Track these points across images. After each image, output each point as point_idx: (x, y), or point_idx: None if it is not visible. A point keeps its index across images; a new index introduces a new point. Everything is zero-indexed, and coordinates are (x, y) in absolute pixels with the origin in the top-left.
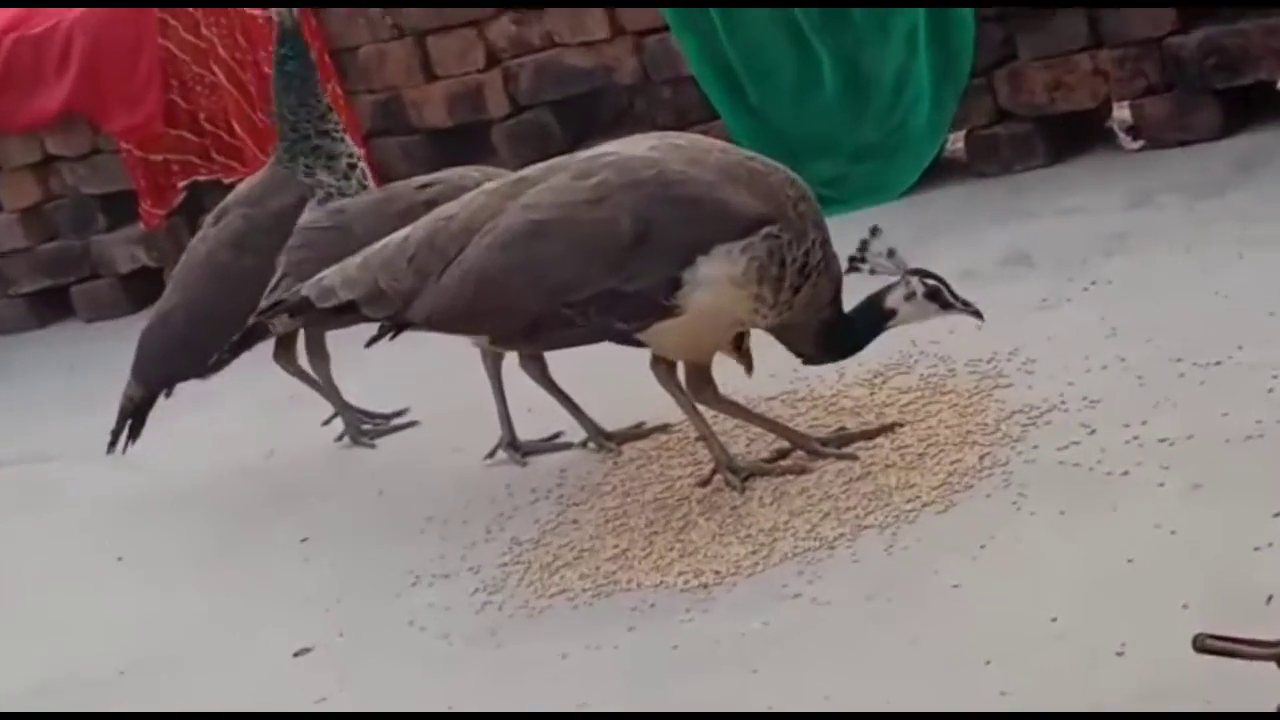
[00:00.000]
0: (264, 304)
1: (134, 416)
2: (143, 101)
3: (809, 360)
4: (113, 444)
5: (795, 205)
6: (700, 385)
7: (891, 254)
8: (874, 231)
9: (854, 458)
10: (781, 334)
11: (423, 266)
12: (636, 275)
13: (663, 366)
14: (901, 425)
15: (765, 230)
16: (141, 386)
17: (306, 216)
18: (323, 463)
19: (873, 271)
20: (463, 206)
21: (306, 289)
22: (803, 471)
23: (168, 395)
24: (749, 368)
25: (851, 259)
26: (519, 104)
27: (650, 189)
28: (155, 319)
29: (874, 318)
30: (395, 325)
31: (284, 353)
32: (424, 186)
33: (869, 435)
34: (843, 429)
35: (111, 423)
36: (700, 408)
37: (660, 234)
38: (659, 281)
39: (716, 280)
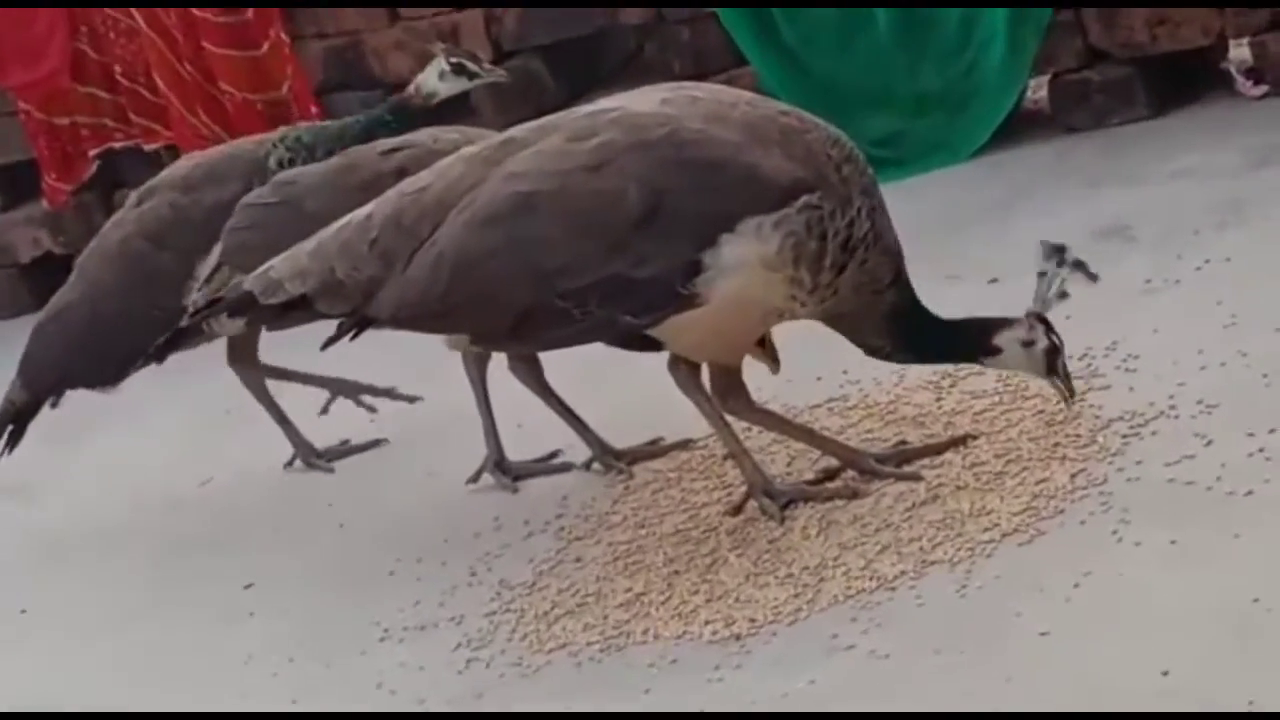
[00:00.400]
0: (198, 300)
1: (15, 424)
2: (44, 53)
3: (881, 355)
4: None
5: (838, 168)
6: (728, 391)
7: (1063, 296)
8: (1096, 277)
9: (917, 478)
10: (840, 325)
11: (387, 251)
12: (647, 258)
13: (683, 368)
14: (975, 438)
15: (802, 200)
16: (26, 390)
17: (252, 193)
18: (269, 492)
19: (1041, 275)
20: (437, 176)
21: (249, 282)
22: (855, 496)
23: (54, 405)
24: (774, 364)
25: (1052, 250)
26: (503, 50)
27: (662, 152)
28: (51, 312)
29: (971, 342)
30: (356, 323)
31: (241, 357)
32: (390, 152)
33: (935, 451)
34: (903, 443)
35: None
36: (730, 419)
37: (675, 207)
38: (674, 265)
39: (745, 262)
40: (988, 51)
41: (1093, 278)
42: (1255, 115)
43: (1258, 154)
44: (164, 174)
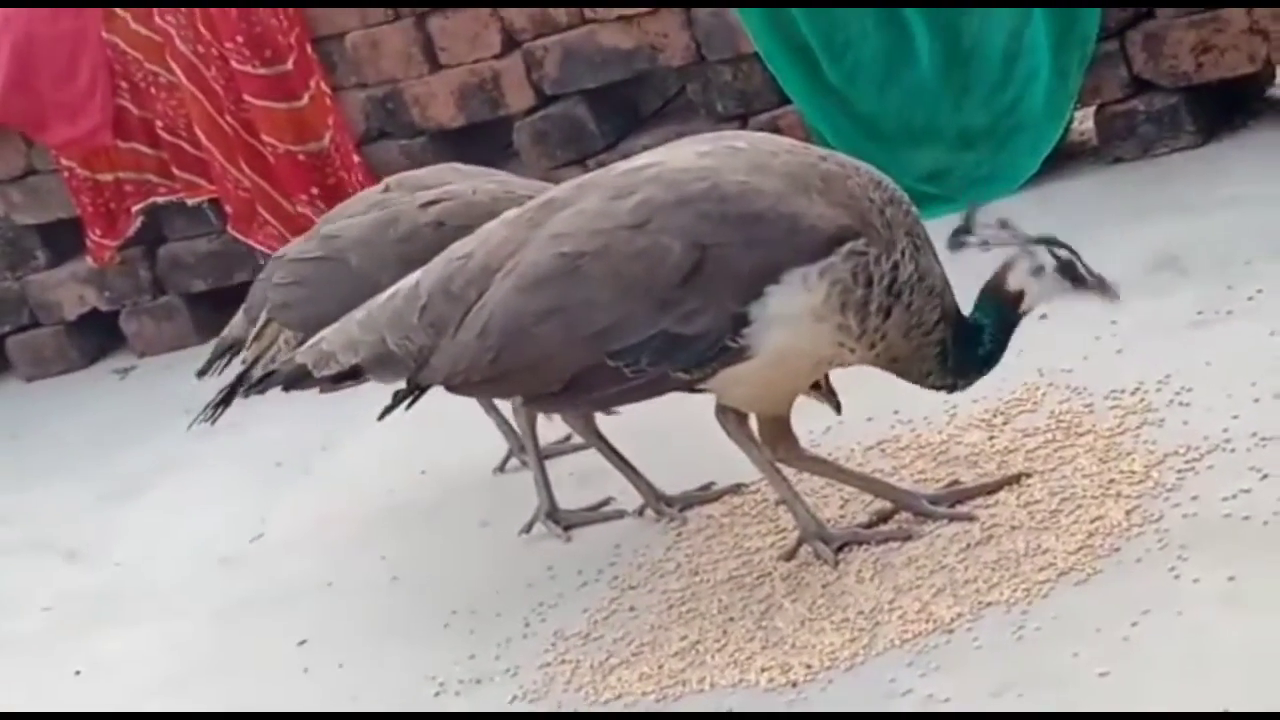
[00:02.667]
0: (255, 372)
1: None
2: (86, 109)
3: (951, 390)
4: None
5: (881, 211)
6: (778, 439)
7: (1004, 224)
8: (974, 205)
9: (971, 518)
10: (898, 370)
11: (437, 319)
12: (694, 313)
13: (731, 416)
14: (1029, 476)
15: (847, 246)
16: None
17: (294, 246)
18: (321, 546)
19: (985, 245)
20: (481, 241)
21: (302, 355)
22: (909, 538)
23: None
24: (836, 406)
25: (956, 233)
26: (545, 95)
27: (703, 206)
28: None
29: (1001, 310)
30: (410, 391)
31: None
32: (430, 204)
33: (988, 490)
34: (956, 483)
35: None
36: (780, 466)
37: (719, 261)
38: (722, 319)
39: (792, 313)
40: (1032, 85)
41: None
42: None
43: None
44: None
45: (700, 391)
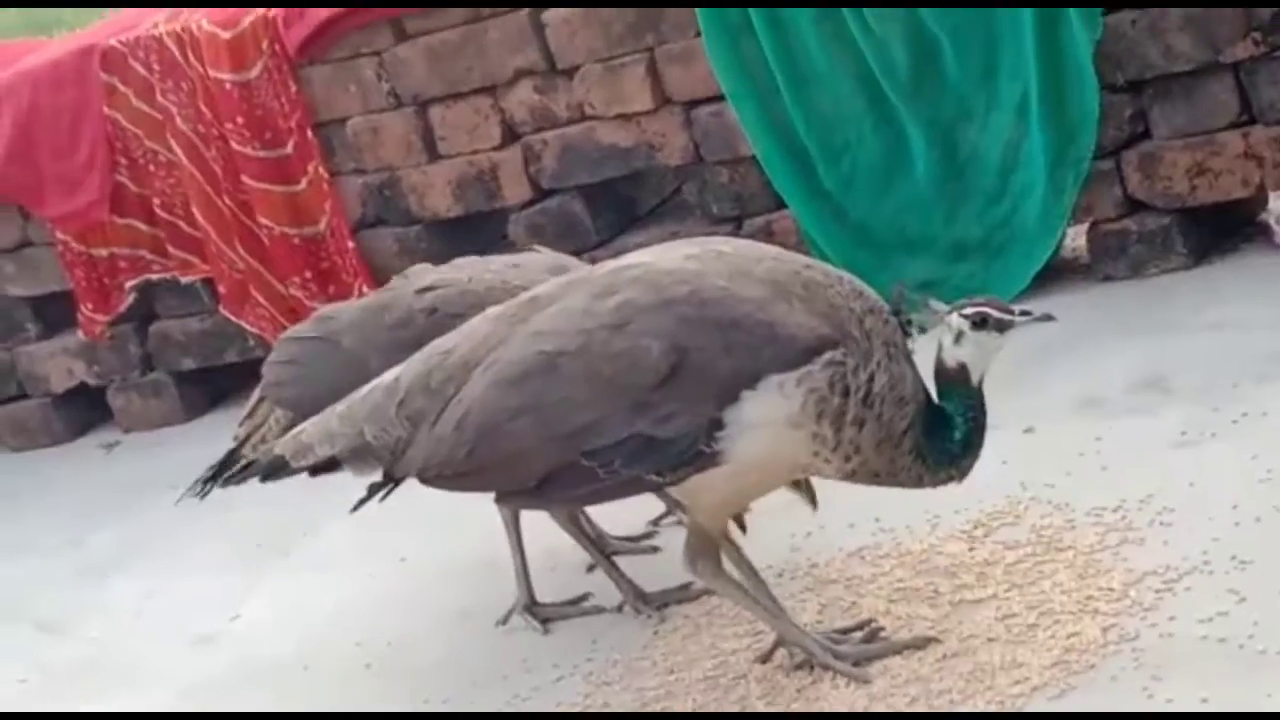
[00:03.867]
0: (244, 450)
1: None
2: (84, 184)
3: (948, 482)
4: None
5: (860, 321)
6: (700, 554)
7: (927, 304)
8: (898, 289)
9: (866, 680)
10: (883, 482)
11: (415, 413)
12: (670, 417)
13: (703, 565)
14: (939, 641)
15: (826, 356)
16: None
17: (294, 327)
18: (298, 629)
19: (922, 330)
20: (464, 337)
21: (281, 446)
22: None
23: None
24: (813, 502)
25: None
26: (542, 188)
27: (683, 310)
28: None
29: (957, 391)
30: (385, 482)
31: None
32: (424, 291)
33: (895, 651)
34: (876, 629)
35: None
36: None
37: (697, 365)
38: (698, 424)
39: (768, 420)
40: (1027, 199)
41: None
42: None
43: None
44: None
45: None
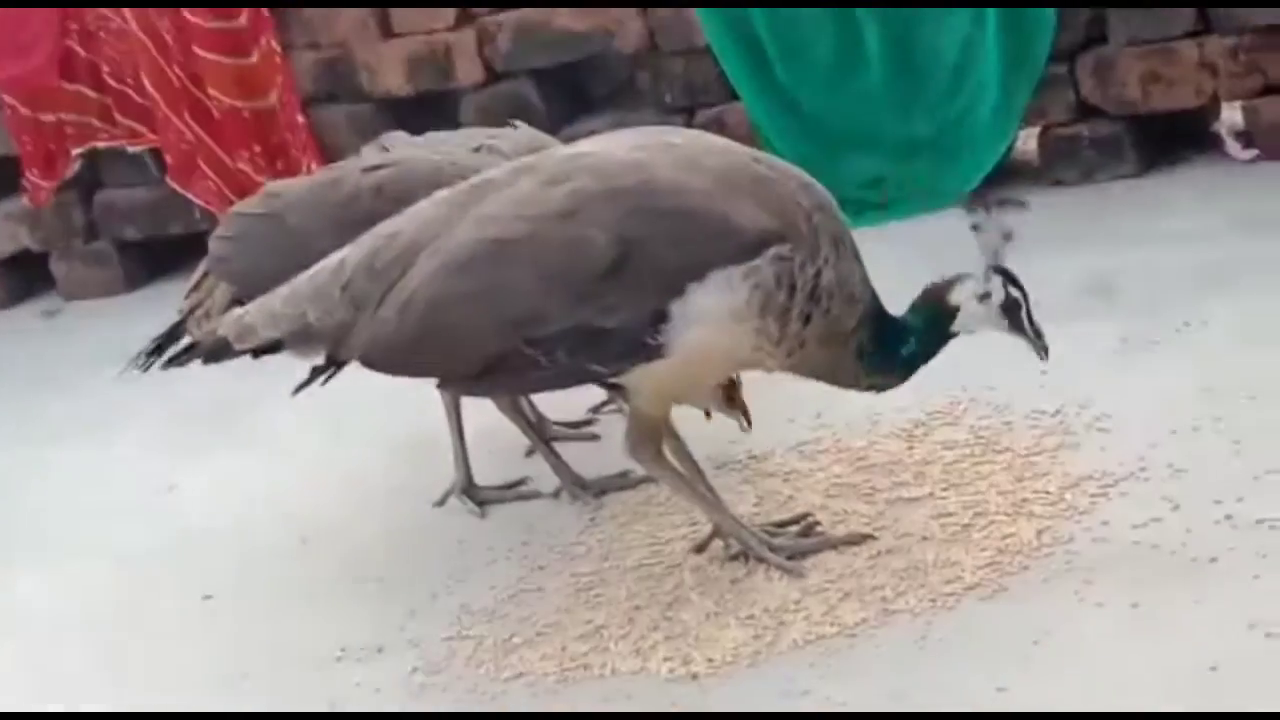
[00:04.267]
0: (189, 324)
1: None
2: (34, 48)
3: (880, 389)
4: None
5: (809, 217)
6: (643, 440)
7: (1008, 237)
8: (1024, 205)
9: (801, 574)
10: (823, 378)
11: (359, 295)
12: (615, 308)
13: (644, 451)
14: (874, 538)
15: (772, 251)
16: None
17: (242, 201)
18: (234, 504)
19: (976, 227)
20: (410, 220)
21: (224, 328)
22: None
23: None
24: (747, 422)
25: (976, 202)
26: (494, 71)
27: (633, 201)
28: None
29: (937, 319)
30: (328, 365)
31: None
32: (371, 169)
33: (832, 545)
34: (813, 523)
35: None
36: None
37: (644, 257)
38: (642, 315)
39: (712, 313)
40: (980, 100)
41: (1022, 205)
42: (1244, 180)
43: (1244, 219)
44: None
45: (613, 386)
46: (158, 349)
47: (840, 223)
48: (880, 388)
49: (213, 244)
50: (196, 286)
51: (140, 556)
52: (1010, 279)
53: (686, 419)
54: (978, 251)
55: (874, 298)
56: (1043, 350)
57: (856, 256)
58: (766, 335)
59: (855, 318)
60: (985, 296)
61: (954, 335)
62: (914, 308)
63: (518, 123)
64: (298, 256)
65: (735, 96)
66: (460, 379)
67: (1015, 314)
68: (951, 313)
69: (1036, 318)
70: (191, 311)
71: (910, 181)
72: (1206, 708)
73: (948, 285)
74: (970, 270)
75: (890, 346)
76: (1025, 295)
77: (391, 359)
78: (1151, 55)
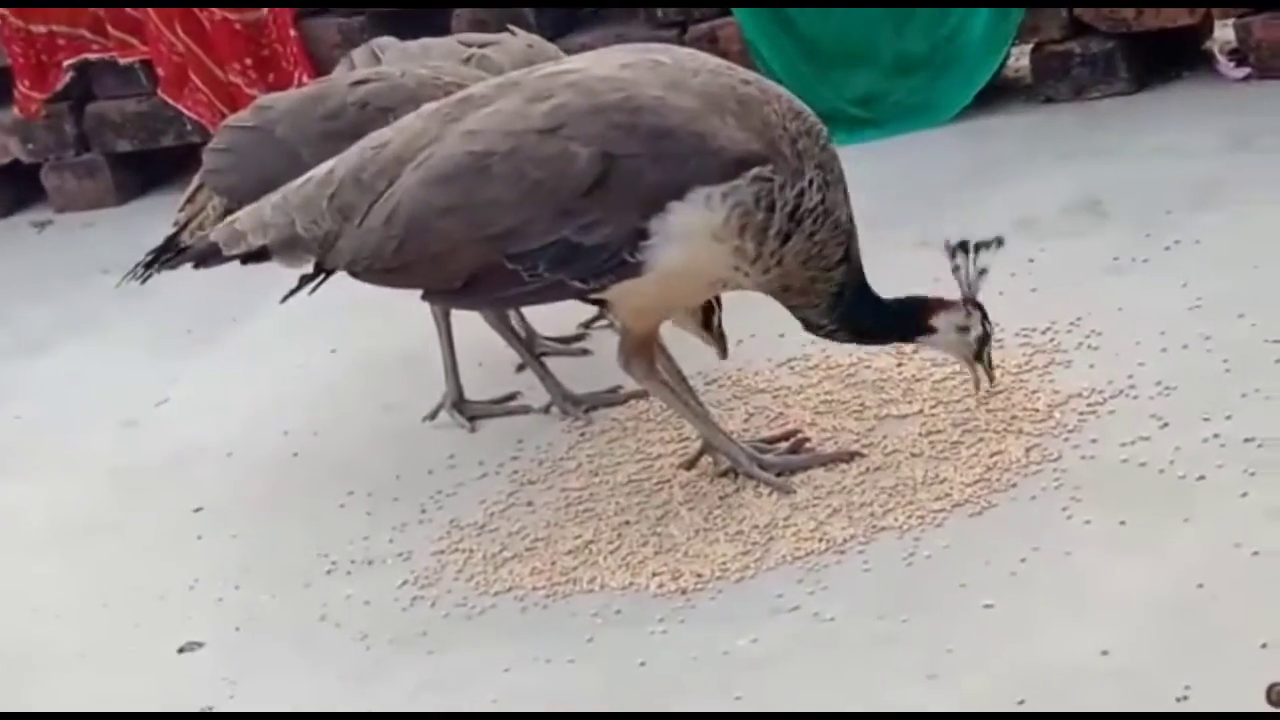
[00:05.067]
0: (183, 236)
1: None
2: None
3: (821, 333)
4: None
5: (794, 141)
6: (635, 354)
7: (983, 274)
8: (999, 243)
9: (790, 491)
10: (785, 298)
11: (345, 206)
12: (596, 224)
13: (637, 364)
14: (863, 455)
15: (754, 171)
16: None
17: (234, 115)
18: (225, 416)
19: (956, 268)
20: (397, 131)
21: (215, 233)
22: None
23: None
24: (723, 350)
25: (962, 245)
26: None
27: (615, 117)
28: None
29: (910, 322)
30: (314, 273)
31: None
32: (357, 84)
33: (822, 462)
34: (804, 439)
35: None
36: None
37: (625, 173)
38: (622, 232)
39: (692, 232)
40: (973, 16)
41: (998, 243)
42: (1236, 97)
43: (1236, 137)
44: None
45: (595, 301)
46: (154, 261)
47: (830, 153)
48: (825, 331)
49: (206, 156)
50: (191, 198)
51: (130, 468)
52: (984, 314)
53: (676, 335)
54: (957, 288)
55: (858, 252)
56: (990, 381)
57: (844, 192)
58: (743, 254)
59: (843, 250)
60: (964, 329)
61: (909, 341)
62: (902, 301)
63: (514, 29)
64: (286, 168)
65: (728, 11)
66: (443, 291)
67: (983, 348)
68: (927, 329)
69: (991, 365)
70: (187, 223)
71: (903, 98)
72: (1193, 624)
73: (934, 308)
74: (954, 299)
75: (865, 309)
76: (992, 331)
77: (375, 270)
78: None
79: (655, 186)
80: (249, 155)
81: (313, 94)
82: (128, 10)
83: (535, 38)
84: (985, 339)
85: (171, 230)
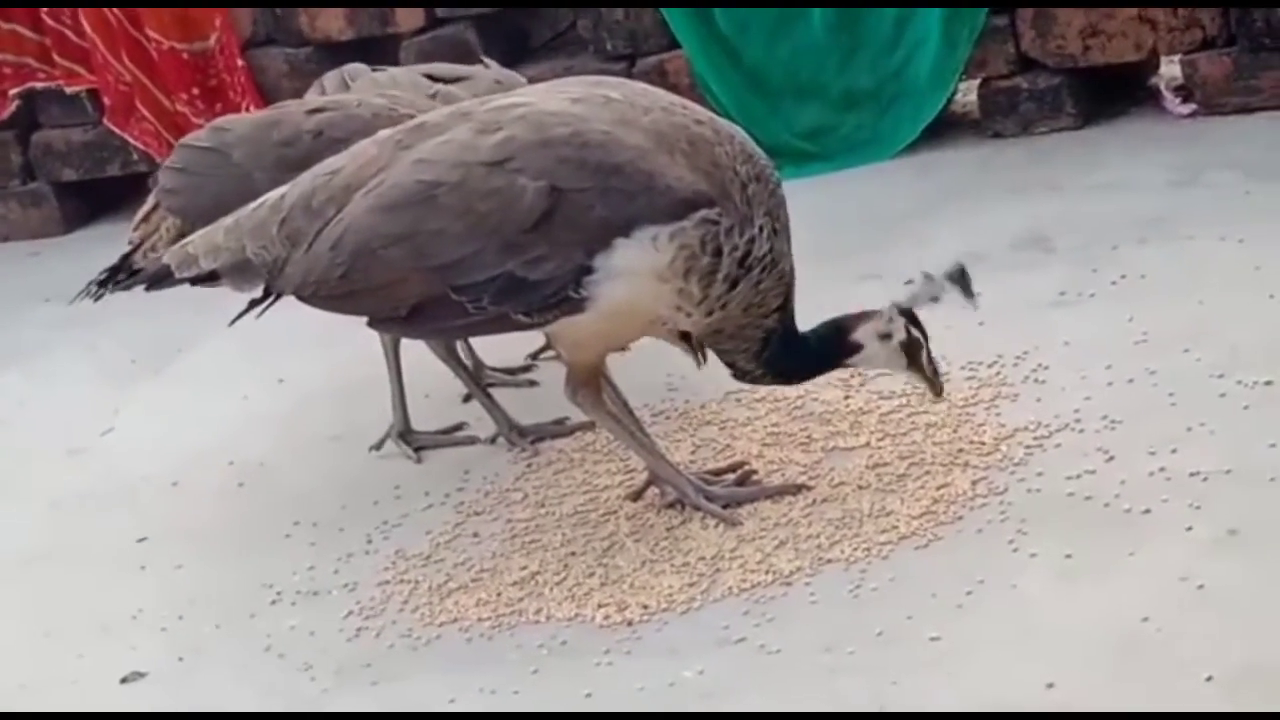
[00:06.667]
0: (133, 239)
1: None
2: None
3: (749, 379)
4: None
5: (744, 186)
6: (583, 385)
7: (935, 300)
8: (973, 299)
9: (737, 523)
10: (715, 341)
11: (295, 232)
12: (541, 259)
13: (585, 394)
14: (810, 488)
15: (700, 214)
16: None
17: (191, 134)
18: (170, 446)
19: (926, 277)
20: (350, 158)
21: (168, 256)
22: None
23: None
24: (701, 358)
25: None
26: (435, 16)
27: (563, 152)
28: None
29: (833, 347)
30: (264, 297)
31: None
32: (313, 112)
33: (768, 495)
34: (750, 472)
35: None
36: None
37: (571, 209)
38: (567, 269)
39: (635, 271)
40: (920, 51)
41: (971, 298)
42: (1181, 134)
43: (1181, 172)
44: None
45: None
46: (108, 279)
47: (779, 199)
48: (750, 377)
49: (161, 174)
50: (146, 219)
51: (74, 498)
52: (913, 320)
53: (623, 366)
54: (904, 295)
55: (792, 296)
56: (938, 390)
57: (788, 239)
58: (688, 296)
59: (780, 299)
60: (886, 337)
61: (840, 366)
62: (819, 329)
63: (487, 61)
64: (240, 193)
65: (676, 45)
66: (388, 319)
67: (915, 354)
68: (852, 348)
69: (936, 358)
70: (141, 244)
71: (851, 132)
72: (1138, 658)
73: (853, 323)
74: (875, 309)
75: (789, 351)
76: (926, 337)
77: (321, 295)
78: (1091, 9)
79: (601, 223)
80: (204, 177)
81: (269, 119)
82: (74, 39)
83: (506, 72)
84: (914, 343)
85: (126, 250)
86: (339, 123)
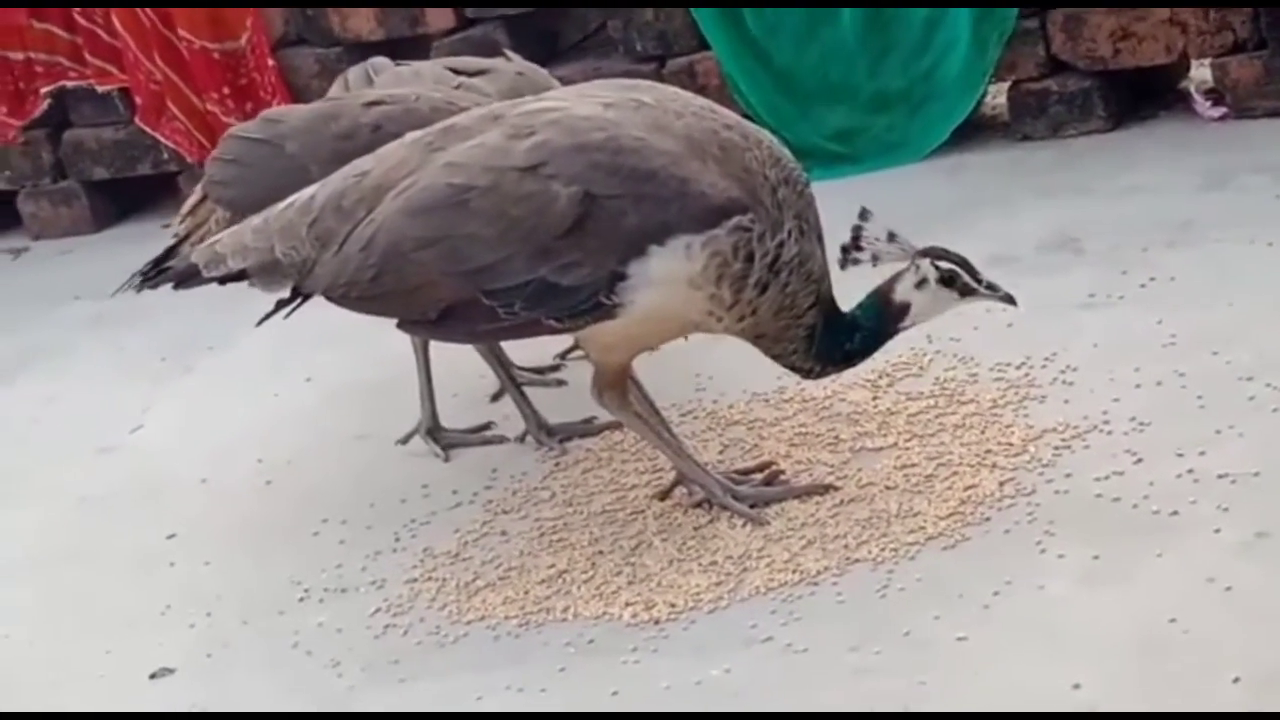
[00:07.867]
0: (178, 231)
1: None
2: None
3: (811, 375)
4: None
5: (775, 191)
6: (609, 386)
7: (892, 237)
8: (863, 215)
9: (764, 523)
10: (761, 345)
11: (324, 233)
12: (573, 265)
13: (611, 397)
14: (837, 488)
15: (734, 220)
16: None
17: (240, 125)
18: (199, 443)
19: (875, 260)
20: (379, 160)
21: (197, 254)
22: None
23: None
24: None
25: (844, 249)
26: (465, 17)
27: (596, 158)
28: None
29: (883, 317)
30: (291, 299)
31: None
32: (371, 105)
33: (796, 494)
34: (778, 472)
35: None
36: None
37: (605, 215)
38: (600, 275)
39: (668, 278)
40: (950, 54)
41: (910, 251)
42: (1211, 137)
43: (1211, 176)
44: None
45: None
46: (153, 270)
47: (807, 200)
48: (813, 373)
49: (210, 167)
50: (193, 211)
51: (104, 495)
52: (937, 254)
53: (652, 366)
54: (875, 258)
55: (829, 283)
56: (1007, 299)
57: (819, 238)
58: (720, 302)
59: (812, 297)
60: (923, 282)
61: (900, 331)
62: (863, 306)
63: (510, 54)
64: (293, 185)
65: (706, 46)
66: (418, 322)
67: (959, 282)
68: (901, 310)
69: (983, 274)
70: (187, 236)
71: (880, 134)
72: (1164, 659)
73: (888, 286)
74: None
75: (839, 337)
76: (962, 260)
77: (351, 297)
78: (1122, 11)
79: (635, 230)
80: (256, 169)
81: (326, 112)
82: (106, 38)
83: (528, 65)
84: (952, 275)
85: (173, 240)
86: (398, 117)
